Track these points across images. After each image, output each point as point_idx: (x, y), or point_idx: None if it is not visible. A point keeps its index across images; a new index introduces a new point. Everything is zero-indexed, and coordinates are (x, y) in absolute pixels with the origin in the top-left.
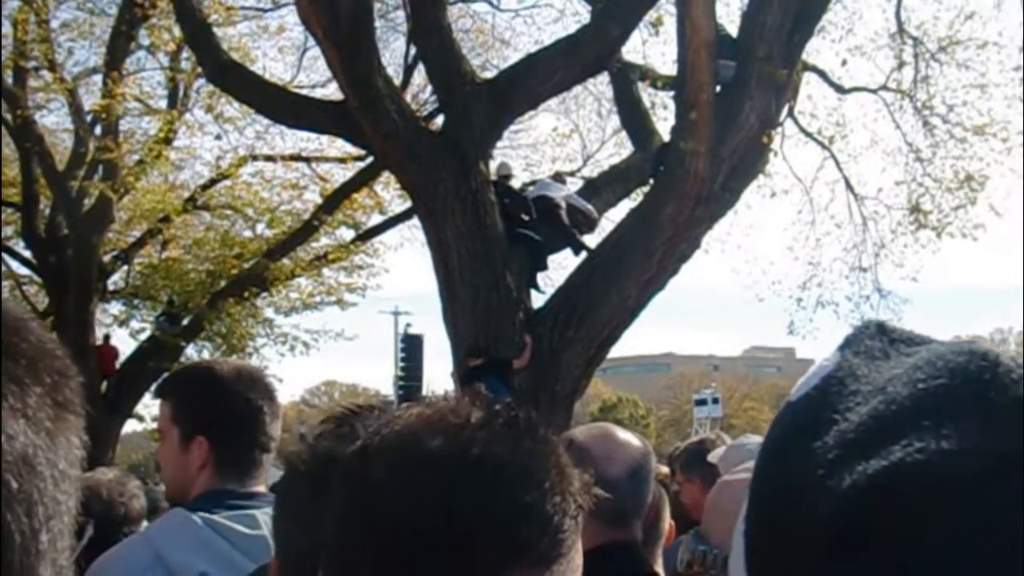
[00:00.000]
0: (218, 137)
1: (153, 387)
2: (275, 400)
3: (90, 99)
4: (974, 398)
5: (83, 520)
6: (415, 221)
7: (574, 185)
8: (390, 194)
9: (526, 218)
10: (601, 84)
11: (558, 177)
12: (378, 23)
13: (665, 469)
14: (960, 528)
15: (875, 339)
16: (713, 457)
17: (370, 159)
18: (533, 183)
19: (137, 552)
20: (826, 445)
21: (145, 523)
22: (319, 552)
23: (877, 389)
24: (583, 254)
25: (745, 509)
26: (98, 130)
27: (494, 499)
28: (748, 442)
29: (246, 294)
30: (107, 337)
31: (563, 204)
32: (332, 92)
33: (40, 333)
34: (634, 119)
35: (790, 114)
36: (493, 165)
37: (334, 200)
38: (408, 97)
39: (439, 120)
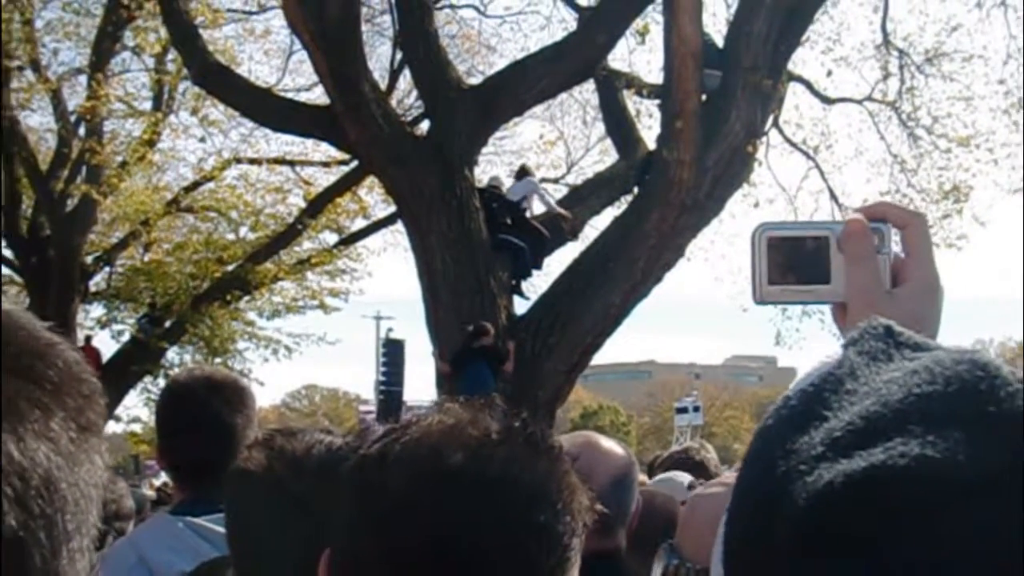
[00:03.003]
0: (202, 139)
1: (133, 389)
2: (248, 406)
3: (74, 100)
4: (966, 408)
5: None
6: (398, 226)
7: (559, 192)
8: (374, 199)
9: (510, 224)
10: (587, 91)
11: (523, 171)
12: (364, 28)
13: (644, 478)
14: (934, 540)
15: (880, 340)
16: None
17: (354, 163)
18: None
19: (122, 555)
20: (812, 441)
21: (132, 524)
22: (274, 555)
23: (873, 391)
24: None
25: (729, 504)
26: (82, 131)
27: (509, 518)
28: (672, 479)
29: (229, 297)
30: (88, 339)
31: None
32: (318, 96)
33: (68, 356)
34: (619, 127)
35: (775, 124)
36: (484, 175)
37: (318, 204)
38: (393, 102)
39: (424, 125)
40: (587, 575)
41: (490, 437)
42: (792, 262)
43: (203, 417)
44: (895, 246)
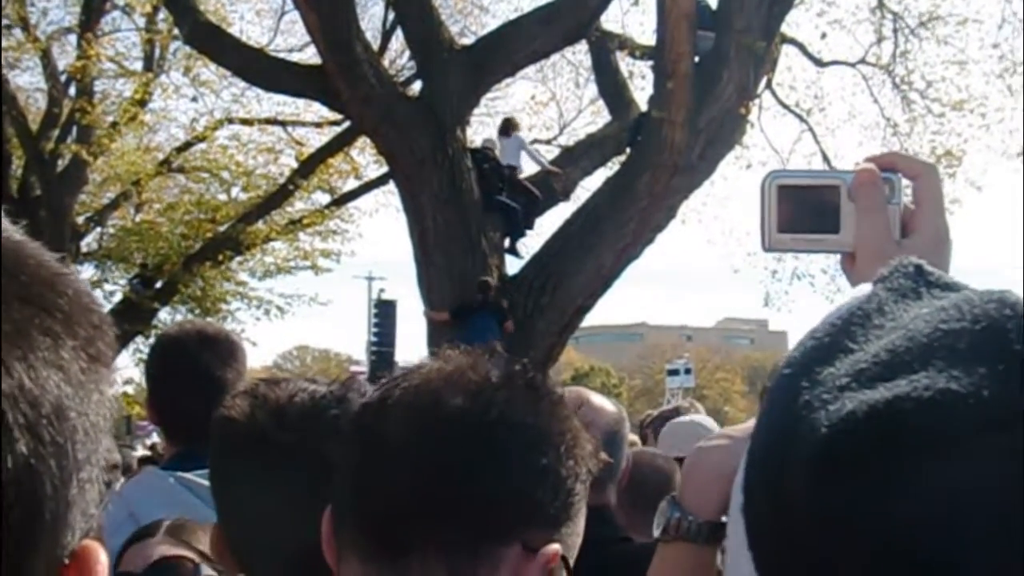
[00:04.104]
0: (194, 99)
1: (125, 350)
2: (239, 360)
3: (64, 59)
4: (992, 345)
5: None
6: (390, 187)
7: (550, 153)
8: (366, 159)
9: (501, 185)
10: (579, 52)
11: (508, 125)
12: None
13: (634, 437)
14: (949, 472)
15: (910, 278)
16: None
17: (347, 124)
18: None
19: (111, 510)
20: (837, 372)
21: (121, 480)
22: (259, 505)
23: (900, 325)
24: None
25: (752, 432)
26: (72, 90)
27: (512, 461)
28: (683, 421)
29: (220, 258)
30: None
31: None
32: (310, 56)
33: (78, 286)
34: (612, 88)
35: (768, 86)
36: (476, 136)
37: (310, 164)
38: (386, 62)
39: (416, 86)
40: None
41: (490, 381)
42: (802, 210)
43: (194, 370)
44: (906, 197)
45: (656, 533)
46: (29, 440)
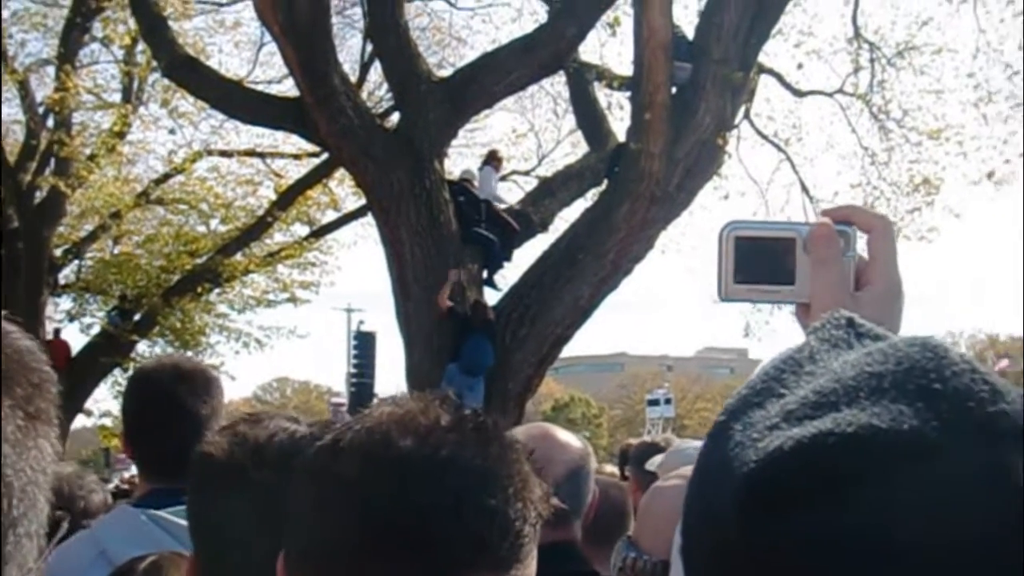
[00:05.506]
0: (172, 132)
1: (103, 383)
2: (214, 396)
3: (42, 91)
4: (913, 384)
5: (60, 515)
6: (369, 218)
7: (529, 184)
8: (344, 191)
9: (478, 217)
10: (557, 84)
11: (488, 157)
12: (335, 20)
13: (613, 468)
14: (871, 502)
15: (842, 329)
16: (651, 464)
17: (325, 156)
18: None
19: (82, 549)
20: (768, 414)
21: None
22: (236, 544)
23: (829, 371)
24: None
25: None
26: (50, 122)
27: (460, 501)
28: (687, 447)
29: (199, 290)
30: (57, 332)
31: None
32: (288, 88)
33: (18, 345)
34: (590, 119)
35: (746, 116)
36: (456, 169)
37: (288, 196)
38: (364, 94)
39: (394, 118)
40: (543, 565)
41: (440, 424)
42: (758, 262)
43: (168, 406)
44: (860, 249)
45: (613, 573)
46: None
